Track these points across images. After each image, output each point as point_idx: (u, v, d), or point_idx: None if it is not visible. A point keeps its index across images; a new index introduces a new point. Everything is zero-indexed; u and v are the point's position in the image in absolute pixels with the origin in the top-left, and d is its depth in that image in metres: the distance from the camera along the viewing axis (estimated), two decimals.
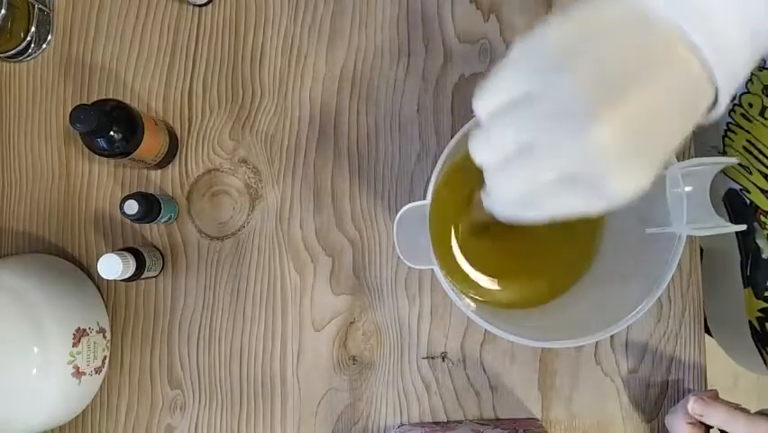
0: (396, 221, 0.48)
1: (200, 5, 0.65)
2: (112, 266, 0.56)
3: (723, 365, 0.61)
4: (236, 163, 0.65)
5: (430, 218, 0.48)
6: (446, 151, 0.47)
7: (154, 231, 0.65)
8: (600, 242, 0.57)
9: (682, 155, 0.62)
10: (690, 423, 0.52)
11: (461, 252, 0.58)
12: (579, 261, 0.57)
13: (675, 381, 0.61)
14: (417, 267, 0.49)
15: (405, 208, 0.48)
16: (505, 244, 0.58)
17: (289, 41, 0.65)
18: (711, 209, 0.45)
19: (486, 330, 0.62)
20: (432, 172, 0.63)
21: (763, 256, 0.57)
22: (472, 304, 0.55)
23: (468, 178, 0.54)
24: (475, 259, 0.58)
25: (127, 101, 0.59)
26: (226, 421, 0.63)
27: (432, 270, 0.48)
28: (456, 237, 0.58)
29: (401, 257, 0.48)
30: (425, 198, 0.49)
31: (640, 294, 0.48)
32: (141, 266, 0.60)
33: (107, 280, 0.64)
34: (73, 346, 0.58)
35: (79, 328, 0.59)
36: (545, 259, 0.58)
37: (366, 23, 0.65)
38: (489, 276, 0.58)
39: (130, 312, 0.64)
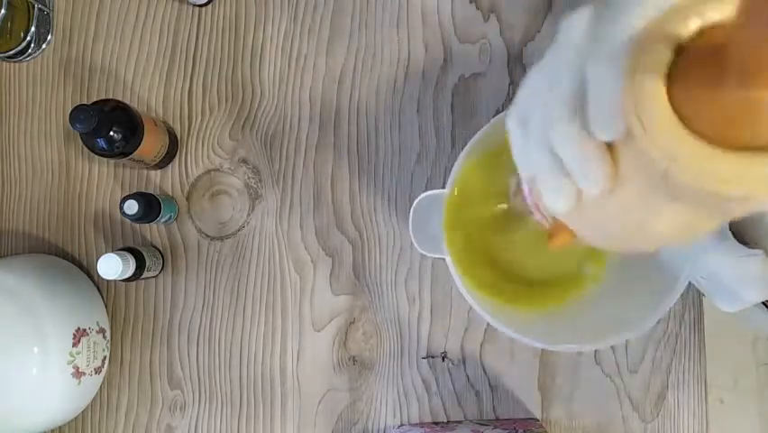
0: (413, 207, 0.48)
1: (200, 5, 0.65)
2: (112, 266, 0.56)
3: (723, 365, 0.61)
4: (236, 163, 0.65)
5: (446, 209, 0.48)
6: (476, 136, 0.47)
7: (154, 231, 0.65)
8: (611, 254, 0.56)
9: None
10: None
11: (474, 246, 0.58)
12: (591, 270, 0.57)
13: (675, 381, 0.61)
14: (429, 255, 0.49)
15: (423, 195, 0.48)
16: (519, 245, 0.57)
17: (289, 41, 0.65)
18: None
19: (486, 330, 0.62)
20: (431, 172, 0.63)
21: None
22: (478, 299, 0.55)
23: (488, 174, 0.53)
24: (487, 256, 0.57)
25: (127, 101, 0.59)
26: (226, 421, 0.63)
27: (441, 262, 0.48)
28: (471, 231, 0.57)
29: (415, 243, 0.49)
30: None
31: (646, 307, 0.48)
32: (141, 266, 0.60)
33: (107, 281, 0.64)
34: (73, 346, 0.58)
35: (79, 328, 0.59)
36: (558, 265, 0.57)
37: (366, 23, 0.64)
38: (500, 274, 0.57)
39: (130, 312, 0.64)
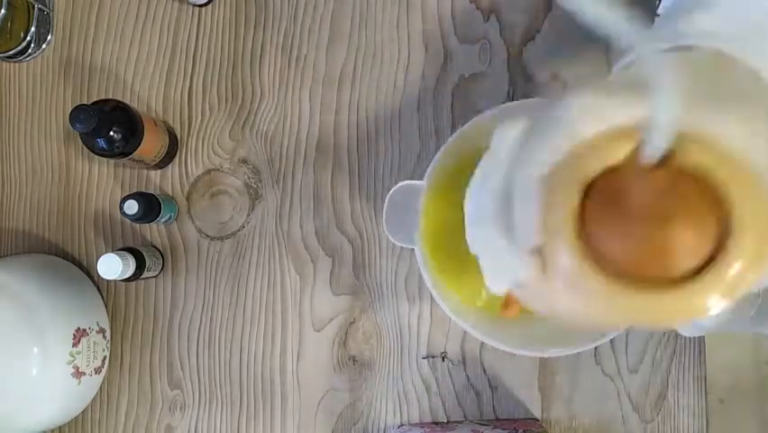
0: (388, 195, 0.49)
1: (200, 5, 0.65)
2: (112, 266, 0.56)
3: (723, 365, 0.61)
4: (236, 163, 0.65)
5: (425, 203, 0.48)
6: (458, 133, 0.47)
7: (154, 231, 0.65)
8: None
9: None
10: None
11: (456, 245, 0.57)
12: None
13: (675, 381, 0.61)
14: (400, 244, 0.49)
15: (399, 185, 0.49)
16: None
17: (289, 41, 0.65)
18: None
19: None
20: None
21: None
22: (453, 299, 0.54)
23: (468, 173, 0.53)
24: (469, 258, 0.57)
25: (127, 101, 0.59)
26: (226, 421, 0.63)
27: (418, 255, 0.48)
28: (453, 229, 0.57)
29: (387, 232, 0.49)
30: None
31: None
32: (141, 266, 0.60)
33: (107, 281, 0.64)
34: (73, 346, 0.58)
35: (79, 328, 0.59)
36: None
37: (366, 23, 0.64)
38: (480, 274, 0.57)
39: (130, 312, 0.64)
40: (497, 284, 0.29)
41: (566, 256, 0.23)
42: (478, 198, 0.29)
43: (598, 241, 0.23)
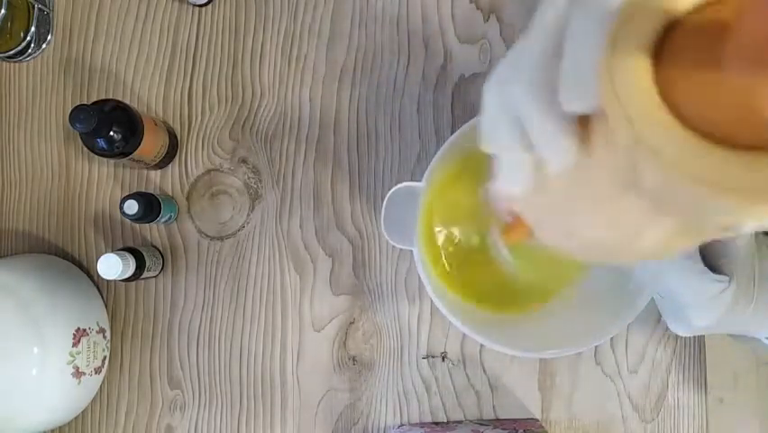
0: (387, 197, 0.49)
1: (200, 5, 0.65)
2: (112, 266, 0.56)
3: (723, 365, 0.61)
4: (236, 163, 0.65)
5: (424, 204, 0.48)
6: (459, 131, 0.47)
7: (154, 231, 0.65)
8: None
9: None
10: None
11: (455, 245, 0.58)
12: (570, 265, 0.57)
13: (675, 381, 0.61)
14: (398, 246, 0.49)
15: (398, 186, 0.49)
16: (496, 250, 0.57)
17: (289, 41, 0.65)
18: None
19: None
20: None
21: None
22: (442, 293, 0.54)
23: (475, 173, 0.53)
24: (467, 256, 0.57)
25: (127, 101, 0.59)
26: (226, 421, 0.63)
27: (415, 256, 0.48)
28: (452, 229, 0.57)
29: (384, 233, 0.49)
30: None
31: (636, 295, 0.48)
32: (141, 266, 0.60)
33: (107, 281, 0.64)
34: (73, 346, 0.58)
35: (79, 328, 0.59)
36: (534, 264, 0.57)
37: (366, 23, 0.64)
38: (478, 275, 0.57)
39: (130, 312, 0.64)
40: (516, 177, 0.24)
41: (635, 96, 0.17)
42: (514, 54, 0.24)
43: (674, 90, 0.17)
